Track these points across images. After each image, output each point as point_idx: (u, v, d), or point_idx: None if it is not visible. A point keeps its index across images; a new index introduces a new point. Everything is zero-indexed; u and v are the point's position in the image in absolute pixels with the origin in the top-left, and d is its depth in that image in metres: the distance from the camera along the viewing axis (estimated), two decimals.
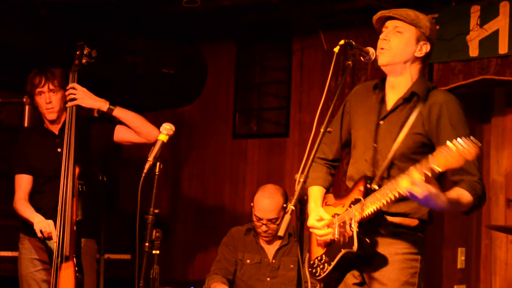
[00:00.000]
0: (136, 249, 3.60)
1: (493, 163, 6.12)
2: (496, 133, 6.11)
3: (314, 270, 3.52)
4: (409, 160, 3.28)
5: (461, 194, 3.22)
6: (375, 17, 3.50)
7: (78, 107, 4.49)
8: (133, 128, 4.53)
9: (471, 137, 2.89)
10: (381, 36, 3.45)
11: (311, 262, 3.56)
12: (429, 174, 2.97)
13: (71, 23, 5.81)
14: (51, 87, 4.49)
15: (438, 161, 2.92)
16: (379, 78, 3.57)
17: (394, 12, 3.43)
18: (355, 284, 3.48)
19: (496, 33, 5.23)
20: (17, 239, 4.62)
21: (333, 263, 3.41)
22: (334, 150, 3.68)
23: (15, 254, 4.78)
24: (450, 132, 3.26)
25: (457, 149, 2.87)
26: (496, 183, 6.10)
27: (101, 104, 4.53)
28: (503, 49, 5.20)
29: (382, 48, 3.40)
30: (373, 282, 3.40)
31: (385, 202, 3.19)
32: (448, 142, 2.88)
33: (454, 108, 3.36)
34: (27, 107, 5.51)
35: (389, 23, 3.45)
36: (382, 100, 3.48)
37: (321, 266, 3.49)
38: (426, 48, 3.43)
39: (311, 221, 3.48)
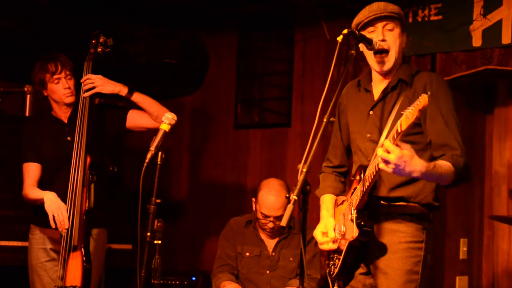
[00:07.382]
0: (138, 239, 3.59)
1: (496, 154, 6.11)
2: (499, 124, 6.10)
3: (328, 269, 3.58)
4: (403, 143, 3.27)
5: (441, 163, 3.22)
6: (366, 19, 3.44)
7: (92, 96, 4.46)
8: (150, 112, 4.53)
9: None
10: (377, 38, 3.41)
11: (326, 262, 3.62)
12: (396, 136, 2.97)
13: (70, 13, 5.77)
14: (67, 72, 4.48)
15: (400, 122, 2.96)
16: (361, 74, 3.60)
17: (386, 11, 3.42)
18: (361, 274, 3.52)
19: (499, 23, 5.22)
20: (17, 229, 4.60)
21: (341, 257, 3.45)
22: (339, 156, 3.75)
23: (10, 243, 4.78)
24: (432, 107, 3.30)
25: (412, 105, 2.93)
26: (499, 173, 6.10)
27: (121, 89, 4.53)
28: (506, 39, 5.18)
29: (382, 54, 3.41)
30: (377, 271, 3.43)
31: (370, 180, 3.23)
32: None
33: (437, 83, 3.42)
34: (28, 96, 5.46)
35: (377, 22, 3.44)
36: (369, 92, 3.54)
37: (333, 263, 3.55)
38: (405, 37, 3.51)
39: (317, 233, 3.53)
